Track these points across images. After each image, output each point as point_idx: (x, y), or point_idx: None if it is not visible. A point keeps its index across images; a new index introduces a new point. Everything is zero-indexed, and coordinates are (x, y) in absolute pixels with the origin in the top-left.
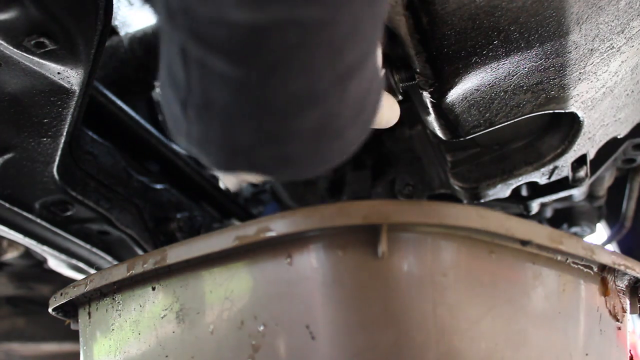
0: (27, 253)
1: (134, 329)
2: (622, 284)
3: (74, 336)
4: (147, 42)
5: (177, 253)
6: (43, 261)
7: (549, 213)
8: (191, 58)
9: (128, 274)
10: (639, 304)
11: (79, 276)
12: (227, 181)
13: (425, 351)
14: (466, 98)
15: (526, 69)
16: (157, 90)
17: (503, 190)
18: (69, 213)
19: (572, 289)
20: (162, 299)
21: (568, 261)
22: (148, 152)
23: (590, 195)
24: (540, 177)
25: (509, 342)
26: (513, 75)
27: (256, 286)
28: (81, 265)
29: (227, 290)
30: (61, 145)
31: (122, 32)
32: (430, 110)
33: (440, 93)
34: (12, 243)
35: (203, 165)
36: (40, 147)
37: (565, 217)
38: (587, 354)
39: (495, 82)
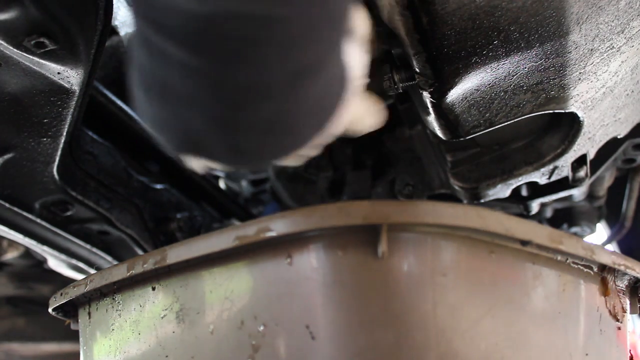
0: (27, 253)
1: (134, 329)
2: (622, 284)
3: (74, 336)
4: None
5: (177, 253)
6: (43, 261)
7: (549, 213)
8: (153, 46)
9: (128, 274)
10: (639, 304)
11: (79, 276)
12: (194, 164)
13: (425, 351)
14: (466, 98)
15: (526, 69)
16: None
17: (503, 190)
18: (69, 213)
19: (572, 289)
20: (162, 299)
21: (568, 261)
22: (148, 152)
23: (590, 195)
24: (540, 177)
25: (509, 342)
26: (513, 75)
27: (256, 286)
28: (81, 265)
29: (227, 290)
30: (61, 145)
31: (122, 32)
32: (430, 110)
33: (440, 93)
34: (12, 243)
35: None
36: (40, 147)
37: (565, 217)
38: (587, 354)
39: (495, 82)
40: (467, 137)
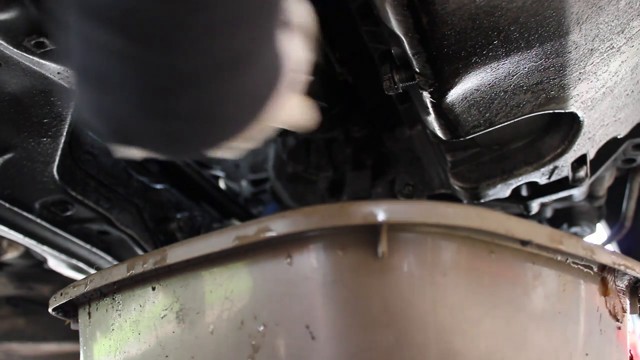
0: (27, 253)
1: (134, 329)
2: (622, 284)
3: (74, 336)
4: None
5: (177, 253)
6: (43, 261)
7: (549, 213)
8: (84, 31)
9: (128, 274)
10: (639, 304)
11: (79, 276)
12: (127, 153)
13: (425, 351)
14: (466, 98)
15: (526, 69)
16: None
17: (503, 190)
18: (69, 213)
19: (572, 289)
20: (162, 299)
21: (568, 261)
22: None
23: (590, 195)
24: (540, 177)
25: (509, 342)
26: (513, 75)
27: (256, 286)
28: (81, 265)
29: (227, 290)
30: (61, 145)
31: None
32: (430, 110)
33: (440, 93)
34: (12, 243)
35: (203, 165)
36: (40, 147)
37: (565, 217)
38: (587, 354)
39: (495, 82)
40: (467, 137)
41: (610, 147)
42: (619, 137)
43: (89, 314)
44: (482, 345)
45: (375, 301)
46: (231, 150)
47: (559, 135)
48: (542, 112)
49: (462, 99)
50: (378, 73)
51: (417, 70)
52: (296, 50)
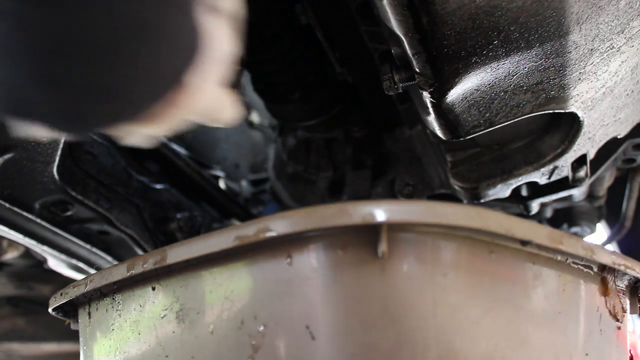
0: (27, 253)
1: (134, 329)
2: (622, 284)
3: (74, 336)
4: None
5: (177, 253)
6: (43, 261)
7: (549, 213)
8: None
9: (128, 274)
10: (639, 304)
11: (79, 276)
12: (26, 130)
13: (425, 351)
14: (466, 98)
15: (526, 69)
16: None
17: (503, 190)
18: (69, 213)
19: (572, 289)
20: (162, 299)
21: (568, 261)
22: (148, 152)
23: (590, 195)
24: (540, 177)
25: (509, 342)
26: (513, 75)
27: (256, 286)
28: (81, 265)
29: (227, 290)
30: (61, 145)
31: None
32: (430, 110)
33: (440, 93)
34: (12, 243)
35: (203, 165)
36: (40, 147)
37: (565, 217)
38: (587, 354)
39: (495, 82)
40: (467, 137)
41: (610, 147)
42: (619, 137)
43: (89, 314)
44: (482, 345)
45: (375, 301)
46: (136, 134)
47: (559, 135)
48: (542, 112)
49: (462, 99)
50: (378, 73)
51: (417, 70)
52: (220, 37)
